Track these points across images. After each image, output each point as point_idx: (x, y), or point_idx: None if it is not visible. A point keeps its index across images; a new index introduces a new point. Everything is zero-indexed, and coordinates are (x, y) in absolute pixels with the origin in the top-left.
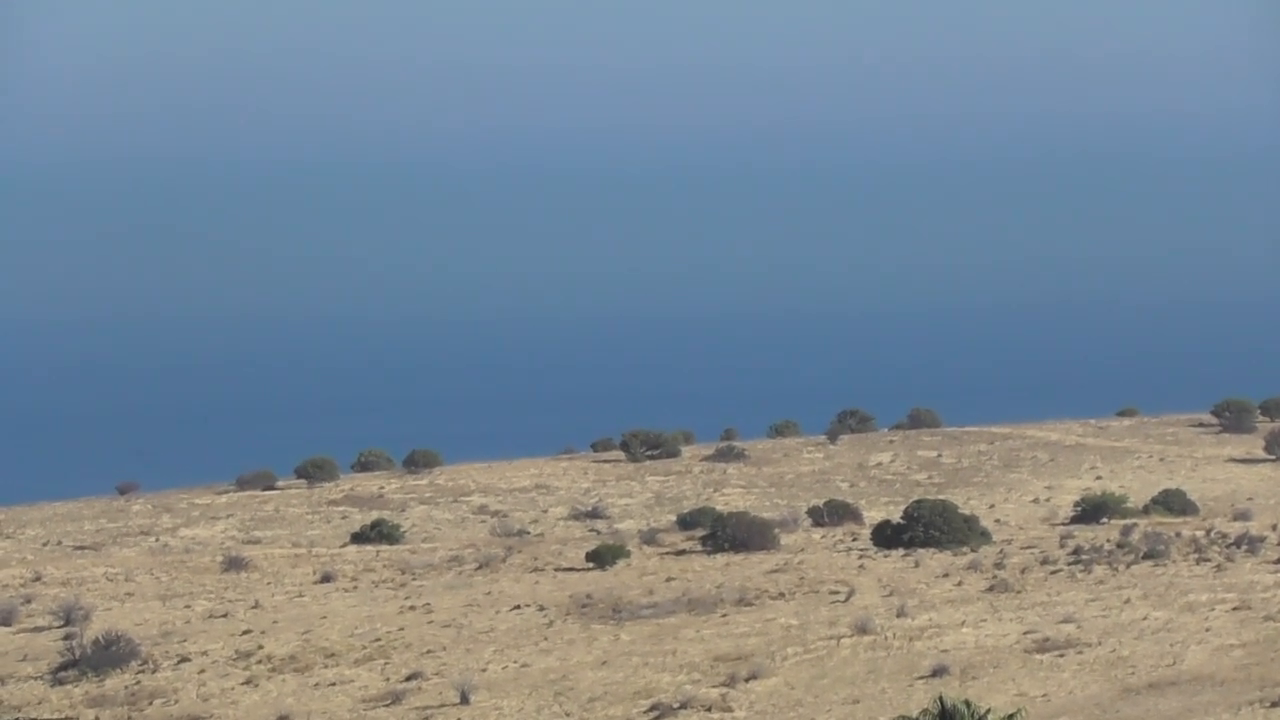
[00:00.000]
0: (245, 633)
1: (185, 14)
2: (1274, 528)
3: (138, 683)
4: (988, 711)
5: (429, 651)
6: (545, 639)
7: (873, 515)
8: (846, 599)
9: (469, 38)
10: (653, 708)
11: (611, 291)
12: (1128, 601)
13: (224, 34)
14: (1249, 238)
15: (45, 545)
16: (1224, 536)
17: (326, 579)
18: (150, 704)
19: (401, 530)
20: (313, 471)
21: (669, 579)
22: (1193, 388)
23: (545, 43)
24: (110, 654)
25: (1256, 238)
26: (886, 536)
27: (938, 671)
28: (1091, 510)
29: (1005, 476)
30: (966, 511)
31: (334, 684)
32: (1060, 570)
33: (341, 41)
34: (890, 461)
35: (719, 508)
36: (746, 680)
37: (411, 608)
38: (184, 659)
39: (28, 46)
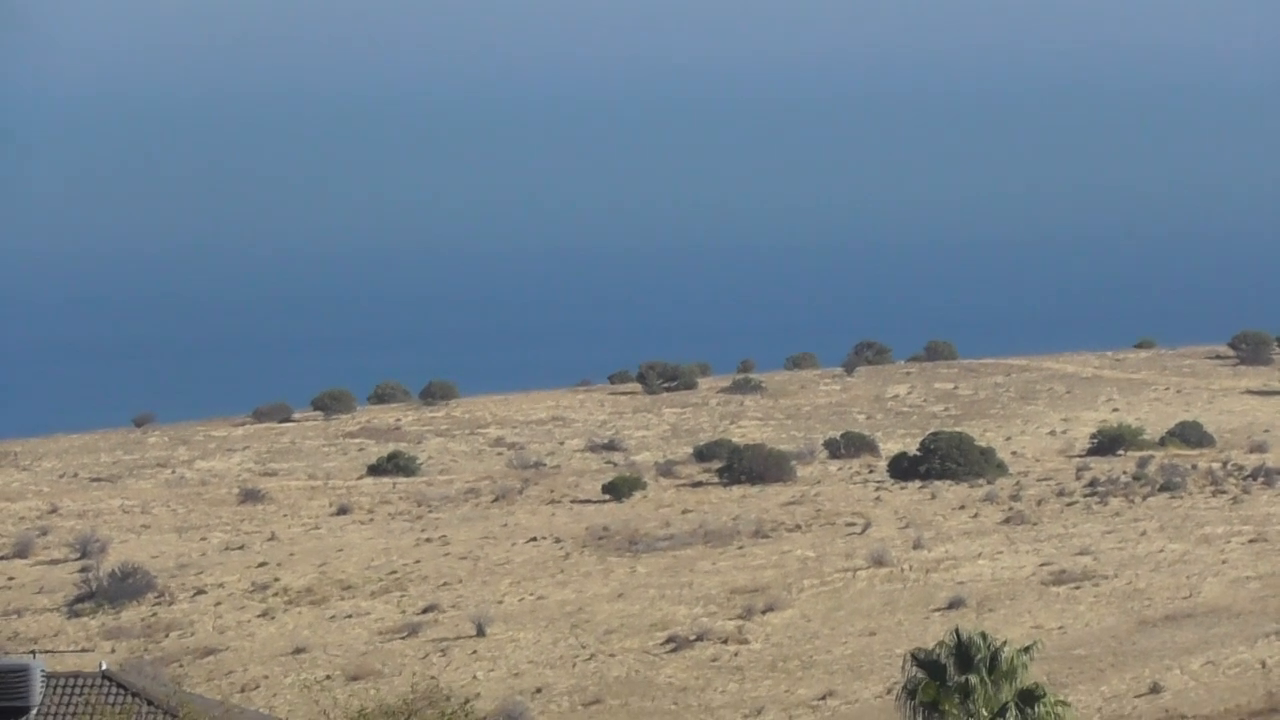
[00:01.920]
0: (261, 565)
1: None
2: None
3: (154, 615)
4: (1004, 643)
5: (445, 584)
6: (562, 571)
7: (889, 447)
8: (863, 531)
9: None
10: (669, 639)
11: (629, 224)
12: (1144, 533)
13: None
14: (1269, 170)
15: (61, 477)
16: (1240, 468)
17: (343, 511)
18: (167, 636)
19: (418, 462)
20: (329, 403)
21: (685, 511)
22: (1210, 320)
23: None
24: (127, 586)
25: (1276, 170)
26: (903, 468)
27: (954, 604)
28: (1108, 442)
29: (1022, 409)
30: (983, 444)
31: (350, 616)
32: (1076, 502)
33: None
34: (907, 393)
35: (735, 440)
36: (763, 612)
37: (428, 540)
38: (200, 591)
39: None
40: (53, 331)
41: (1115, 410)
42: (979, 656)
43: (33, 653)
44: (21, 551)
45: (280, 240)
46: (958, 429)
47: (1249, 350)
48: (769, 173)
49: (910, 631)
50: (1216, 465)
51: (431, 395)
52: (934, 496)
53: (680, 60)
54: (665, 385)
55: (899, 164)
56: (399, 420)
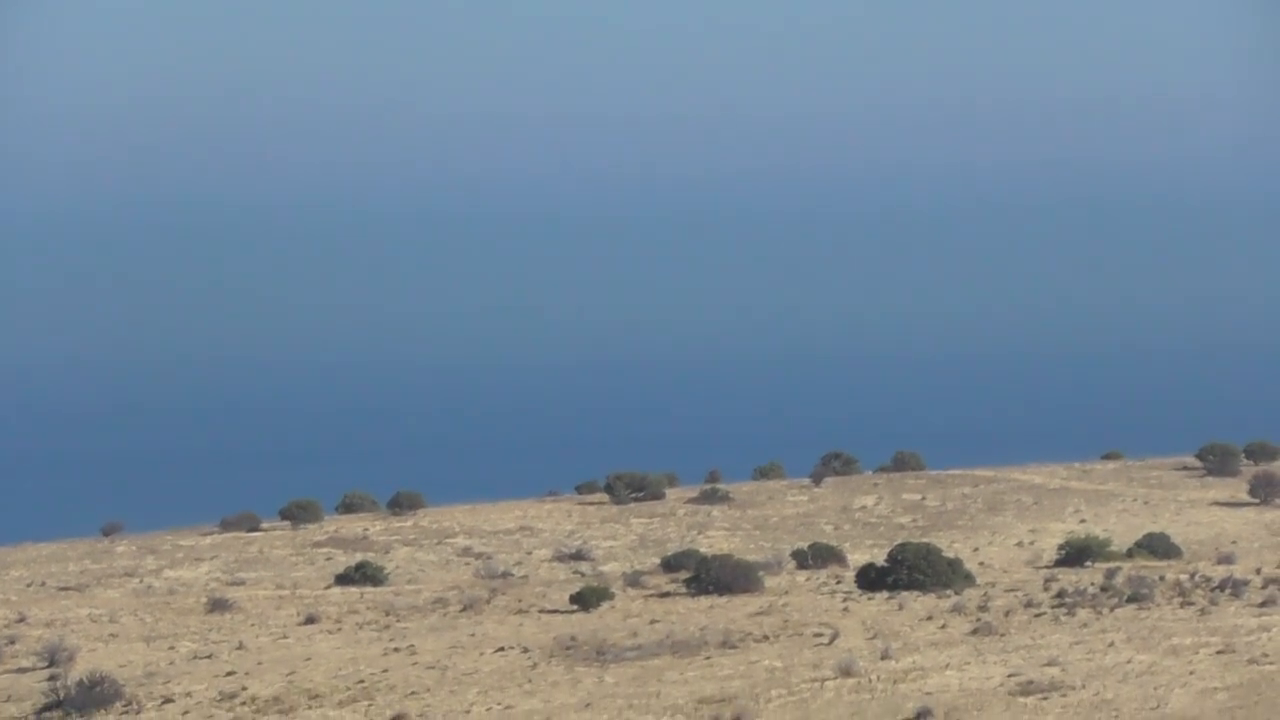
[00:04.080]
0: (229, 674)
1: (193, 55)
2: (1258, 571)
3: None
4: None
5: (413, 693)
6: (529, 681)
7: (857, 558)
8: (830, 641)
9: (451, 85)
10: None
11: (596, 335)
12: (1111, 645)
13: (221, 73)
14: (1234, 281)
15: (29, 586)
16: (1208, 580)
17: (311, 620)
18: None
19: (386, 572)
20: (297, 513)
21: (653, 621)
22: (1177, 431)
23: (537, 89)
24: (94, 695)
25: (1243, 281)
26: (870, 579)
27: (921, 714)
28: (1075, 553)
29: (989, 519)
30: (950, 554)
31: None
32: (1044, 613)
33: (339, 88)
34: (874, 504)
35: (703, 550)
36: None
37: (396, 649)
38: (168, 700)
39: (31, 86)
40: (20, 441)
41: (1083, 521)
42: None
43: None
44: None
45: (249, 351)
46: (925, 540)
47: (1216, 462)
48: (737, 284)
49: None
50: (1184, 577)
51: (399, 505)
52: (901, 607)
53: (642, 171)
54: (633, 496)
55: (867, 277)
56: (366, 530)
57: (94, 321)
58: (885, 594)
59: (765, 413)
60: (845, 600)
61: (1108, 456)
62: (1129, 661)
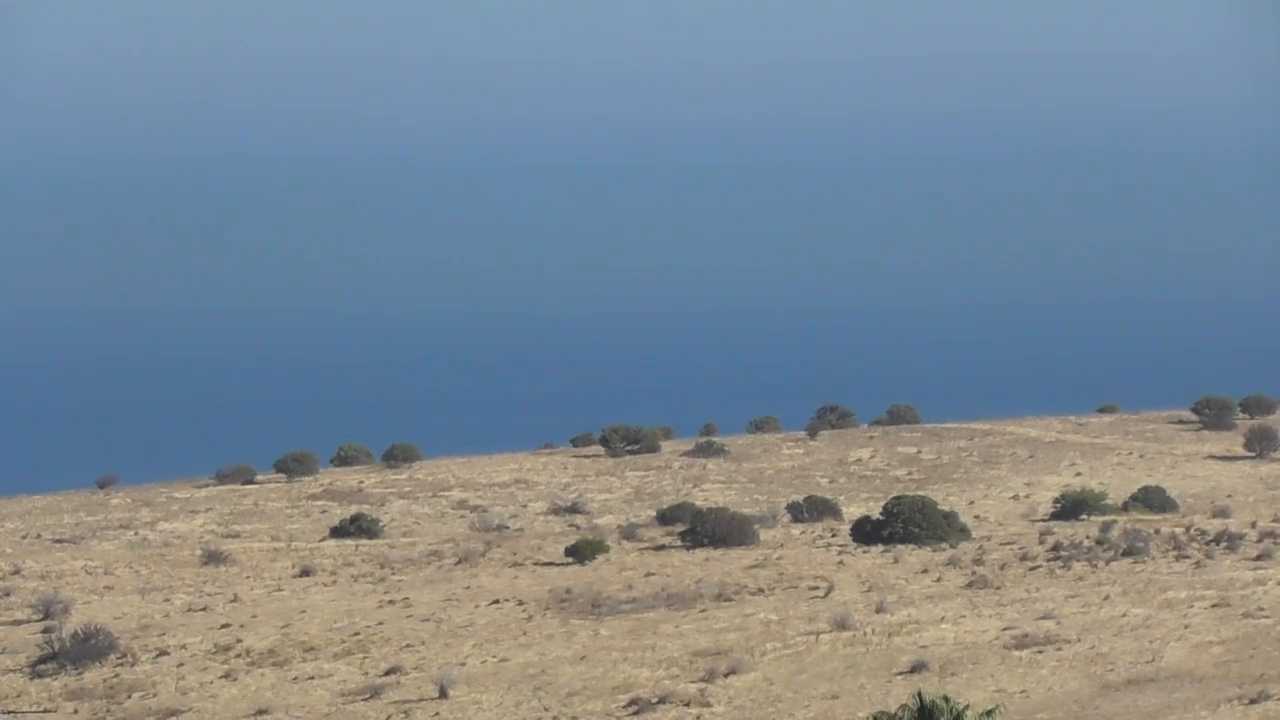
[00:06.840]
0: (224, 626)
1: (185, 8)
2: (1253, 525)
3: (116, 676)
4: (966, 707)
5: (408, 646)
6: (524, 633)
7: (852, 511)
8: (826, 595)
9: (458, 33)
10: (631, 702)
11: (592, 288)
12: (1107, 598)
13: (222, 27)
14: (1232, 234)
15: (24, 538)
16: (1203, 533)
17: (305, 573)
18: (129, 697)
19: (381, 525)
20: (292, 466)
21: (648, 574)
22: (1173, 385)
23: (534, 38)
24: (89, 647)
25: (1240, 234)
26: (866, 532)
27: (917, 667)
28: (1071, 507)
29: (985, 473)
30: (946, 508)
31: (313, 678)
32: (1039, 567)
33: (339, 35)
34: (870, 458)
35: (698, 503)
36: (725, 675)
37: (391, 602)
38: (163, 652)
39: (27, 41)
40: (15, 393)
41: (1078, 475)
42: None
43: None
44: None
45: (244, 302)
46: (921, 493)
47: (1212, 415)
48: (732, 236)
49: (873, 695)
50: (1180, 530)
51: (394, 458)
52: (897, 560)
53: (639, 123)
54: (628, 448)
55: (862, 229)
56: (361, 483)
57: (90, 272)
58: (880, 547)
59: (761, 365)
60: (840, 553)
61: (1104, 410)
62: (1124, 615)
